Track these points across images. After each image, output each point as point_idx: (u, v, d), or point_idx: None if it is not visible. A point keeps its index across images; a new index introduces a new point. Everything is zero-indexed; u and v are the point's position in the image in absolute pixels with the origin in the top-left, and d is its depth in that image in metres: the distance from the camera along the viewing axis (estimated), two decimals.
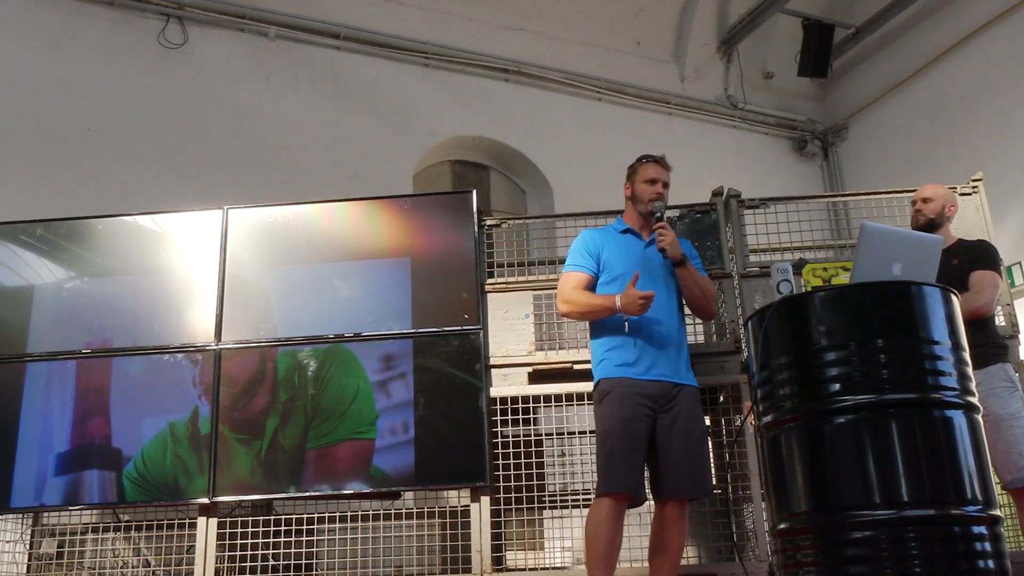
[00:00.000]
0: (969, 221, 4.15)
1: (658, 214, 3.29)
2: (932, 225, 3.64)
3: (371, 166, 6.72)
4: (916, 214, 3.71)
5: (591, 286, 3.32)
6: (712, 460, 4.29)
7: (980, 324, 3.37)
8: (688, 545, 3.88)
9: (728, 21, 8.61)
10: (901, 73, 8.21)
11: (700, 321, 3.89)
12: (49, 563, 4.09)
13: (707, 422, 4.19)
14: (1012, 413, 3.37)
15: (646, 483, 3.19)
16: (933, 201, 3.68)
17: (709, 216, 4.24)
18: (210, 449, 3.80)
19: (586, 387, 3.99)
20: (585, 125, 7.96)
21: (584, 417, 4.07)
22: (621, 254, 3.33)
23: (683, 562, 3.82)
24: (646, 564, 3.46)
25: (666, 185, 3.40)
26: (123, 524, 4.08)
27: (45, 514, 4.15)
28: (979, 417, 2.30)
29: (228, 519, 3.86)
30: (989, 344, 3.43)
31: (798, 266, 4.02)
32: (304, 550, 3.81)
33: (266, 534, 3.80)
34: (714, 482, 4.18)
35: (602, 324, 3.29)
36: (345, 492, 3.78)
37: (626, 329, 3.18)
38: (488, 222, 4.25)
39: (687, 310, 3.47)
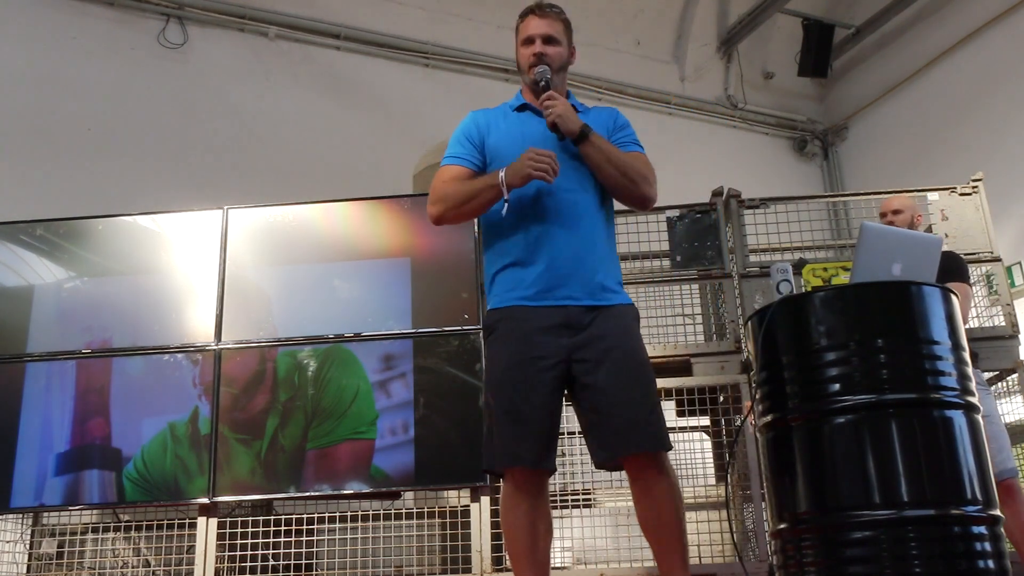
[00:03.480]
0: (969, 221, 4.16)
1: (542, 82, 2.46)
2: None
3: (371, 166, 6.72)
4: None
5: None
6: (712, 460, 4.31)
7: None
8: (689, 545, 3.87)
9: (728, 21, 8.62)
10: (901, 73, 8.21)
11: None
12: (49, 563, 4.09)
13: (707, 422, 4.20)
14: (988, 413, 3.41)
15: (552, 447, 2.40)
16: (903, 213, 3.74)
17: (709, 216, 4.24)
18: (210, 449, 3.80)
19: None
20: None
21: None
22: (513, 139, 2.48)
23: None
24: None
25: (551, 40, 2.52)
26: (123, 524, 4.08)
27: (45, 514, 4.15)
28: (979, 417, 2.30)
29: (228, 519, 3.86)
30: None
31: (798, 266, 4.03)
32: (304, 550, 3.81)
33: (266, 534, 3.80)
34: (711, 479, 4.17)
35: (491, 236, 2.51)
36: (345, 492, 3.78)
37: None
38: None
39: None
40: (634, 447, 2.31)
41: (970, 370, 2.34)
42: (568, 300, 2.38)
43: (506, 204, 2.37)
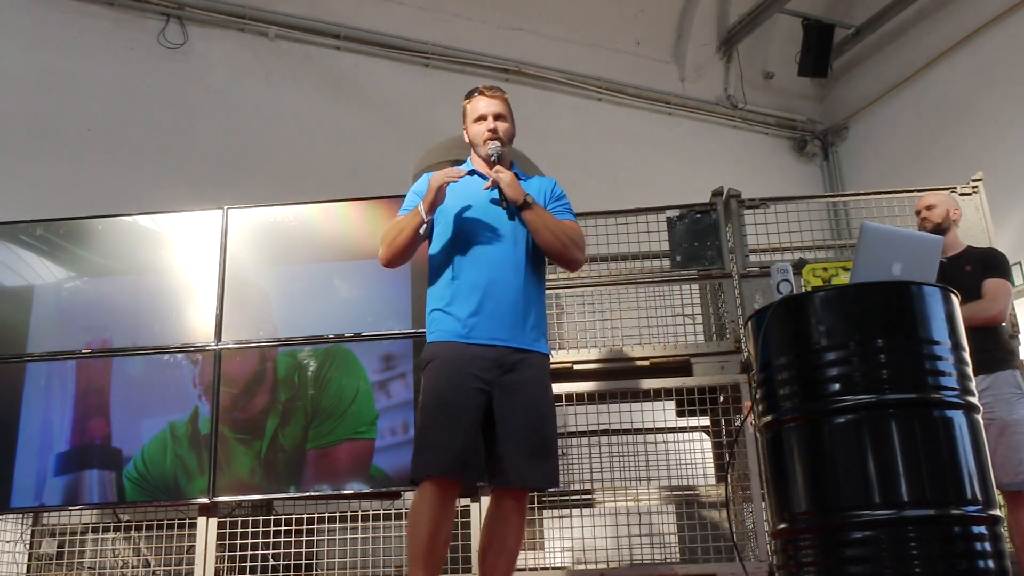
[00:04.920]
0: (969, 221, 4.16)
1: (493, 156, 2.79)
2: (939, 230, 3.62)
3: (371, 166, 6.72)
4: (922, 222, 3.69)
5: (427, 234, 2.84)
6: (712, 460, 4.31)
7: (990, 330, 3.39)
8: (688, 545, 3.88)
9: (728, 21, 8.62)
10: (901, 73, 8.21)
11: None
12: (49, 563, 4.09)
13: (707, 422, 4.21)
14: (1018, 419, 3.38)
15: (474, 467, 2.66)
16: (936, 207, 3.67)
17: (709, 216, 4.24)
18: (210, 449, 3.80)
19: (586, 387, 4.00)
20: (585, 125, 7.97)
21: (584, 417, 4.07)
22: (459, 198, 2.81)
23: (683, 562, 3.83)
24: (647, 562, 3.45)
25: (501, 117, 2.85)
26: (123, 524, 4.08)
27: (45, 514, 4.15)
28: (979, 417, 2.30)
29: (228, 519, 3.86)
30: (999, 349, 3.44)
31: (798, 266, 4.02)
32: (304, 550, 3.81)
33: (266, 534, 3.80)
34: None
35: (434, 278, 2.83)
36: (345, 492, 3.78)
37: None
38: None
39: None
40: (525, 482, 2.65)
41: (970, 370, 2.34)
42: (496, 341, 2.69)
43: (425, 226, 2.74)
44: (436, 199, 2.72)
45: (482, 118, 2.85)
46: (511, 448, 2.62)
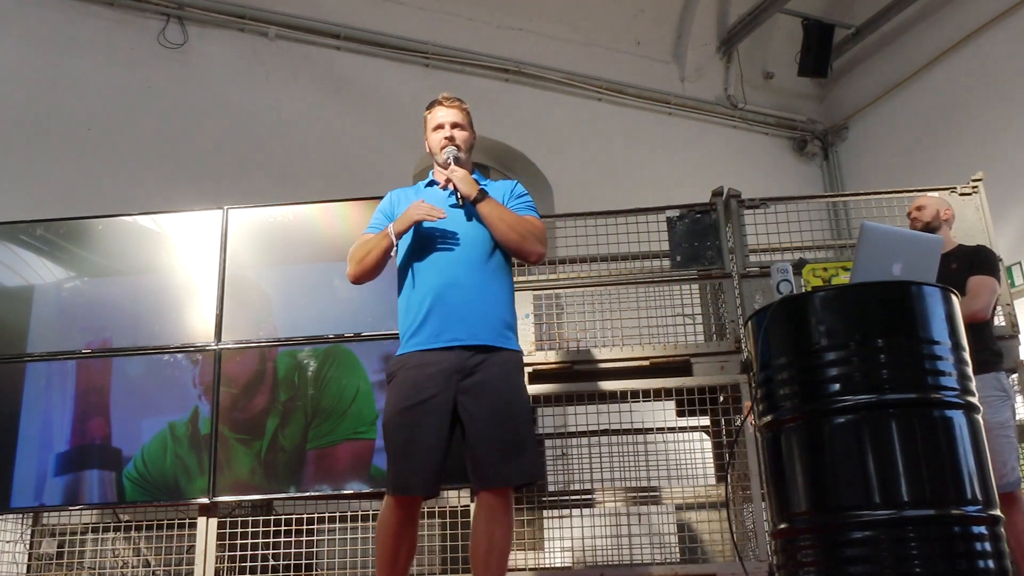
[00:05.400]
0: (969, 221, 4.16)
1: (449, 158, 2.87)
2: (928, 230, 3.66)
3: (371, 166, 6.72)
4: (913, 223, 3.76)
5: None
6: (712, 460, 4.31)
7: (976, 330, 3.36)
8: (688, 545, 3.88)
9: (728, 21, 8.61)
10: (901, 73, 8.21)
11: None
12: (49, 563, 4.09)
13: (707, 422, 4.20)
14: (1001, 422, 3.39)
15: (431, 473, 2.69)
16: (926, 208, 3.73)
17: (709, 216, 4.24)
18: (210, 449, 3.80)
19: (586, 387, 4.00)
20: (585, 125, 7.96)
21: (584, 417, 4.07)
22: None
23: (683, 562, 3.83)
24: (647, 562, 3.45)
25: (458, 126, 2.93)
26: (123, 524, 4.08)
27: (45, 514, 4.15)
28: (979, 417, 2.30)
29: (228, 519, 3.86)
30: (984, 351, 3.42)
31: (798, 266, 4.02)
32: (304, 550, 3.81)
33: (266, 534, 3.80)
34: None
35: (400, 293, 2.89)
36: (345, 492, 3.78)
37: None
38: None
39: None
40: (501, 481, 2.65)
41: (970, 370, 2.34)
42: (455, 342, 2.70)
43: (395, 249, 2.81)
44: (407, 229, 2.79)
45: (440, 127, 2.92)
46: (482, 449, 2.65)
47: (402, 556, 2.70)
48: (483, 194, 2.80)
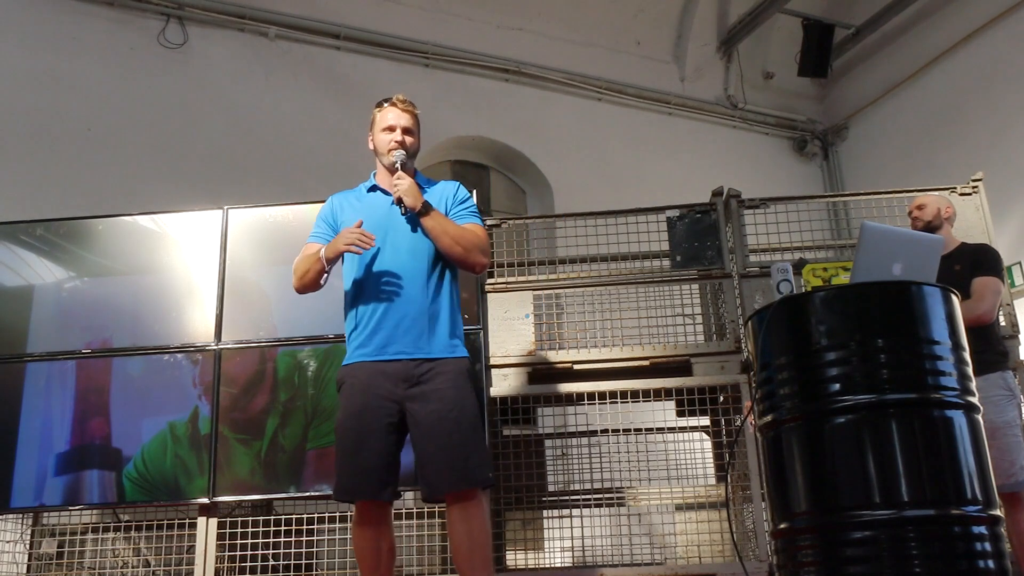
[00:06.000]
0: (969, 221, 4.16)
1: (397, 164, 2.84)
2: (929, 229, 3.65)
3: (371, 166, 6.68)
4: (914, 222, 3.75)
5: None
6: (712, 460, 4.31)
7: (980, 331, 3.37)
8: (688, 545, 3.88)
9: (728, 21, 8.61)
10: (901, 73, 8.21)
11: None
12: (49, 563, 4.09)
13: (707, 422, 4.20)
14: (1008, 422, 3.38)
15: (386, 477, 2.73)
16: (927, 206, 3.72)
17: (709, 216, 4.24)
18: (210, 449, 3.80)
19: (586, 387, 4.00)
20: (585, 125, 7.96)
21: (584, 417, 4.07)
22: (361, 215, 2.85)
23: (683, 562, 3.83)
24: (647, 562, 3.45)
25: (409, 131, 2.91)
26: (123, 524, 4.08)
27: (45, 514, 4.15)
28: (979, 417, 2.30)
29: (228, 519, 3.86)
30: (989, 351, 3.42)
31: (798, 266, 4.02)
32: (304, 550, 3.81)
33: (266, 534, 3.80)
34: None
35: (346, 301, 2.90)
36: None
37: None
38: (488, 222, 4.25)
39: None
40: (448, 487, 2.67)
41: (970, 370, 2.33)
42: (401, 355, 2.73)
43: (326, 275, 2.82)
44: (338, 257, 2.79)
45: (391, 128, 2.90)
46: (429, 457, 2.67)
47: (383, 561, 2.73)
48: (427, 207, 2.80)
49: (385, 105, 2.95)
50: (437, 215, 2.82)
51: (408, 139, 2.90)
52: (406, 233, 2.83)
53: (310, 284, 2.85)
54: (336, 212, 2.94)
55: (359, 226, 2.74)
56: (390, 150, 2.88)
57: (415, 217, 2.80)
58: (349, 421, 2.72)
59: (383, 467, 2.69)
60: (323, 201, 4.15)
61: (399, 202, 2.77)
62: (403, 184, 2.77)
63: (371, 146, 2.99)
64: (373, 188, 2.97)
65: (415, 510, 3.89)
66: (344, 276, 2.90)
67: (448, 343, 2.80)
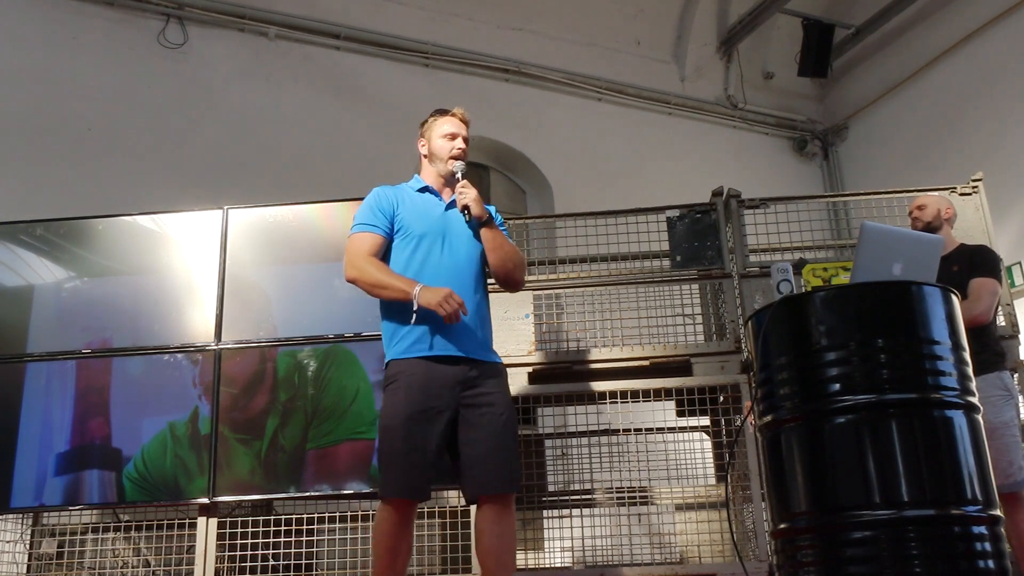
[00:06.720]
0: (969, 221, 4.16)
1: (459, 173, 2.94)
2: (929, 229, 3.65)
3: (371, 166, 6.72)
4: (914, 222, 3.76)
5: (384, 249, 2.91)
6: (712, 460, 4.32)
7: (978, 331, 3.37)
8: (688, 545, 3.88)
9: (728, 21, 8.62)
10: (901, 73, 8.21)
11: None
12: (49, 563, 4.09)
13: (707, 422, 4.21)
14: (1005, 422, 3.38)
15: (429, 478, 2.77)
16: (927, 207, 3.72)
17: (709, 216, 4.24)
18: (210, 449, 3.80)
19: (586, 387, 4.00)
20: (585, 125, 7.97)
21: (584, 417, 4.07)
22: (418, 214, 2.93)
23: (683, 562, 3.83)
24: (647, 562, 3.45)
25: (466, 141, 3.03)
26: (123, 524, 4.08)
27: (45, 514, 4.15)
28: (979, 417, 2.30)
29: (228, 519, 3.86)
30: (986, 352, 3.42)
31: (798, 266, 4.02)
32: (304, 550, 3.81)
33: (266, 534, 3.80)
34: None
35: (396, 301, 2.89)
36: (345, 492, 3.78)
37: (412, 320, 2.76)
38: None
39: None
40: (496, 488, 2.76)
41: (970, 370, 2.34)
42: (459, 353, 2.80)
43: (415, 315, 2.76)
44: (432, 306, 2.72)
45: (451, 136, 2.99)
46: (480, 458, 2.74)
47: (400, 559, 2.75)
48: (491, 218, 2.92)
49: (447, 114, 3.05)
50: (497, 228, 2.94)
51: (466, 150, 3.02)
52: (462, 238, 2.92)
53: (372, 295, 2.86)
54: (394, 205, 2.95)
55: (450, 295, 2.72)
56: (451, 158, 2.97)
57: (477, 225, 2.91)
58: (410, 420, 2.72)
59: (433, 471, 2.74)
60: (323, 201, 4.20)
61: (464, 210, 2.87)
62: (470, 194, 2.88)
63: (423, 150, 3.06)
64: (424, 189, 3.02)
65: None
66: (395, 267, 2.89)
67: (491, 348, 2.92)
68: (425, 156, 3.05)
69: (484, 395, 2.79)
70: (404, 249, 2.89)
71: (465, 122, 3.05)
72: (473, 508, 3.73)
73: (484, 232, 2.91)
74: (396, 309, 2.84)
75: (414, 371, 2.77)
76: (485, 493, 2.76)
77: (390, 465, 2.74)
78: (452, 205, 2.96)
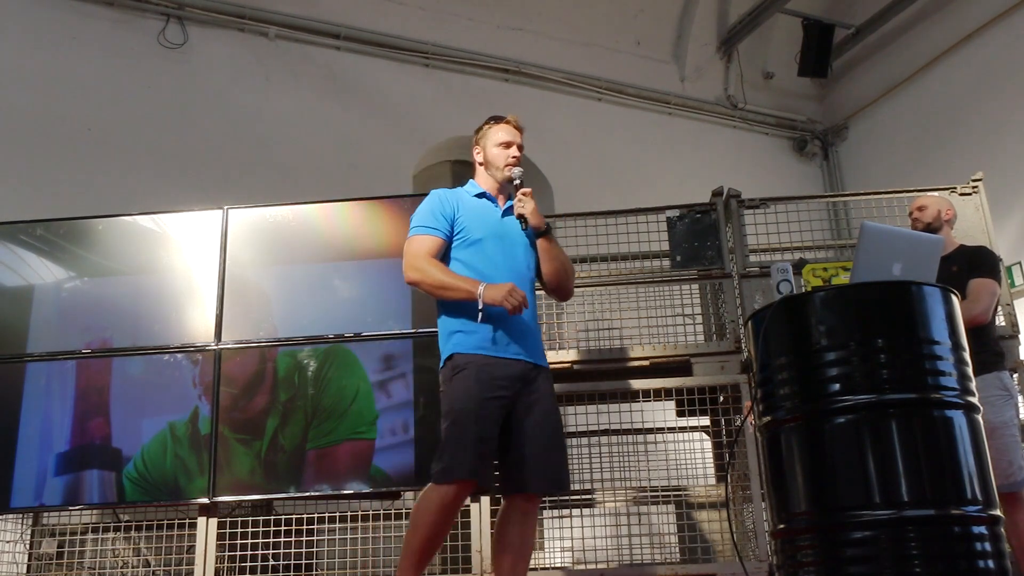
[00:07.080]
0: (969, 221, 4.16)
1: (517, 180, 2.99)
2: (930, 230, 3.65)
3: (371, 166, 6.72)
4: (914, 223, 3.76)
5: (443, 252, 2.95)
6: (712, 460, 4.31)
7: (977, 332, 3.36)
8: (688, 545, 3.88)
9: (728, 21, 8.61)
10: (901, 73, 8.21)
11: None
12: (49, 563, 4.09)
13: (707, 422, 4.21)
14: (1005, 422, 3.39)
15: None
16: (927, 208, 3.73)
17: (709, 216, 4.24)
18: (210, 449, 3.80)
19: (586, 387, 4.00)
20: (585, 125, 7.96)
21: (584, 417, 4.07)
22: (477, 219, 2.99)
23: (683, 562, 3.83)
24: (647, 562, 3.45)
25: (520, 148, 3.07)
26: (123, 524, 4.08)
27: (45, 514, 4.15)
28: (979, 417, 2.30)
29: (228, 519, 3.86)
30: (986, 352, 3.42)
31: (798, 266, 4.03)
32: (304, 550, 3.81)
33: (266, 534, 3.80)
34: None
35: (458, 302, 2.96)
36: (345, 492, 3.78)
37: (479, 319, 2.81)
38: None
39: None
40: (543, 487, 2.86)
41: (970, 370, 2.34)
42: (520, 355, 2.88)
43: (480, 314, 2.80)
44: (492, 305, 2.80)
45: (507, 144, 3.03)
46: (530, 457, 2.80)
47: (435, 546, 2.80)
48: (549, 228, 3.01)
49: (502, 122, 3.09)
50: (553, 239, 3.04)
51: (521, 157, 3.07)
52: (520, 245, 3.00)
53: (435, 295, 2.92)
54: (455, 209, 2.99)
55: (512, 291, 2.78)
56: (507, 165, 3.01)
57: (534, 234, 2.99)
58: (480, 404, 2.76)
59: (492, 456, 2.80)
60: (322, 200, 4.20)
61: (521, 218, 2.92)
62: (529, 204, 2.92)
63: (478, 158, 3.11)
64: (481, 195, 3.07)
65: None
66: (455, 269, 2.94)
67: (543, 352, 3.00)
68: (480, 164, 3.10)
69: (538, 396, 2.87)
70: (464, 251, 2.96)
71: (519, 129, 3.08)
72: (476, 506, 3.75)
73: (541, 242, 3.00)
74: (459, 308, 2.89)
75: (479, 362, 2.82)
76: (530, 490, 2.82)
77: (462, 447, 2.73)
78: (508, 212, 3.02)
